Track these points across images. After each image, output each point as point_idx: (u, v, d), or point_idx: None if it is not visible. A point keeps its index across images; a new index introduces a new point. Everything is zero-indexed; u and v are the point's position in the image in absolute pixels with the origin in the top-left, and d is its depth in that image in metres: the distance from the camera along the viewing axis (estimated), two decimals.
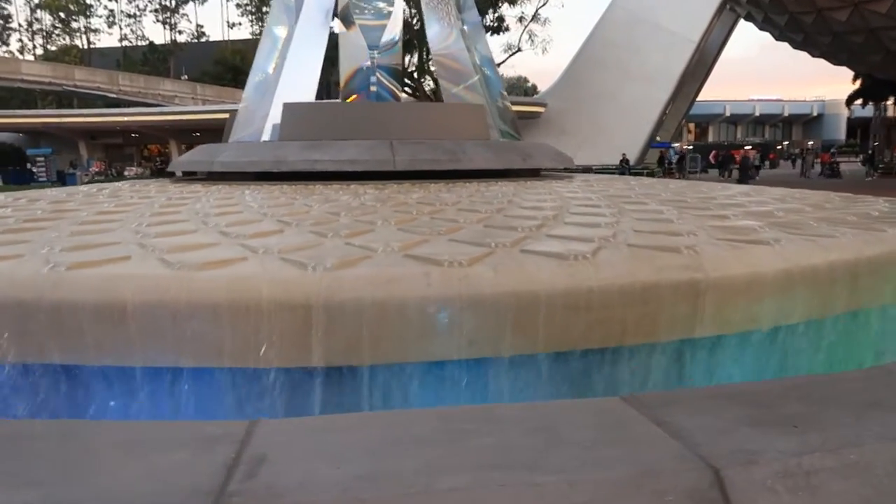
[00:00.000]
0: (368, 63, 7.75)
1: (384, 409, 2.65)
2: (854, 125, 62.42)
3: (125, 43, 65.34)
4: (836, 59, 26.60)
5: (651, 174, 28.24)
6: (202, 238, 3.18)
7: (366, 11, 8.02)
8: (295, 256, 2.72)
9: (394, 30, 8.14)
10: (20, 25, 64.15)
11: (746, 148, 43.54)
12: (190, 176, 7.41)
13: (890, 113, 38.56)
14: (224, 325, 2.47)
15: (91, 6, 64.55)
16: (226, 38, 66.69)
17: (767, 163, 45.51)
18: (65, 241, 3.19)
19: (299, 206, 4.06)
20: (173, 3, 65.37)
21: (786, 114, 69.95)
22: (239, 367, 2.56)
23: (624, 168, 28.45)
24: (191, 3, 74.98)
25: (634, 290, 2.70)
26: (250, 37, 59.80)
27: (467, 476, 1.35)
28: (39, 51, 63.70)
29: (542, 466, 1.40)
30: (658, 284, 2.73)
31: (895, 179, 29.09)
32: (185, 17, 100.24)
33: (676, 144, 52.55)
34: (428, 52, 30.47)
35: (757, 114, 69.56)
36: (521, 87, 70.28)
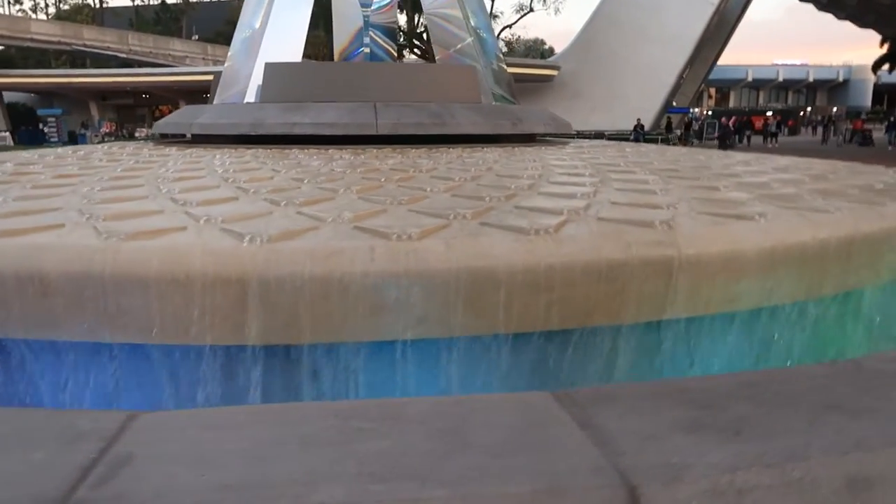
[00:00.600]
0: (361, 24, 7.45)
1: (330, 394, 2.50)
2: (880, 91, 60.50)
3: (137, 2, 64.57)
4: (862, 22, 25.59)
5: (666, 140, 27.57)
6: (149, 205, 3.01)
7: None
8: (236, 227, 2.54)
9: None
10: None
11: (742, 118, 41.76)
12: (178, 138, 7.22)
13: None
14: (152, 299, 2.31)
15: None
16: None
17: (786, 129, 44.18)
18: (9, 205, 3.04)
19: (265, 172, 3.87)
20: None
21: (810, 79, 67.89)
22: (171, 345, 2.41)
23: (638, 134, 27.77)
24: None
25: (600, 268, 2.50)
26: None
27: (342, 488, 1.19)
28: (52, 10, 63.21)
29: (436, 477, 1.23)
30: (626, 262, 2.52)
31: None
32: None
33: (696, 110, 51.29)
34: None
35: (780, 79, 67.59)
36: (537, 50, 68.78)
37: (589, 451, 1.33)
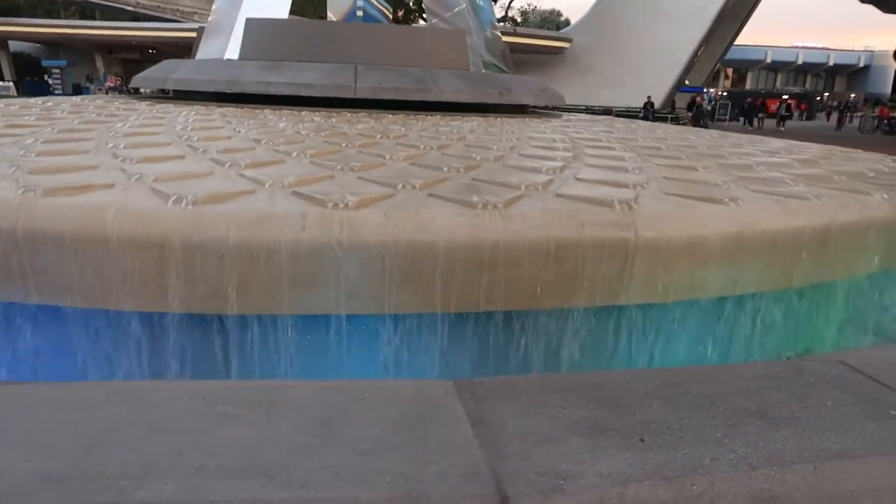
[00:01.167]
0: None
1: (256, 368, 2.38)
2: None
3: None
4: (885, 6, 24.82)
5: (676, 120, 27.01)
6: (87, 160, 2.86)
7: None
8: (167, 187, 2.38)
9: None
10: None
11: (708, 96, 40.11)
12: (162, 93, 7.02)
13: None
14: (69, 259, 2.18)
15: None
16: None
17: (803, 115, 43.24)
18: None
19: (226, 132, 3.70)
20: None
21: (830, 63, 66.40)
22: (91, 309, 2.29)
23: (648, 112, 27.22)
24: None
25: (548, 247, 2.34)
26: None
27: (175, 483, 1.05)
28: None
29: (287, 476, 1.09)
30: (578, 242, 2.36)
31: None
32: None
33: (712, 90, 50.25)
34: None
35: (800, 62, 66.13)
36: (553, 21, 67.34)
37: (471, 452, 1.20)
